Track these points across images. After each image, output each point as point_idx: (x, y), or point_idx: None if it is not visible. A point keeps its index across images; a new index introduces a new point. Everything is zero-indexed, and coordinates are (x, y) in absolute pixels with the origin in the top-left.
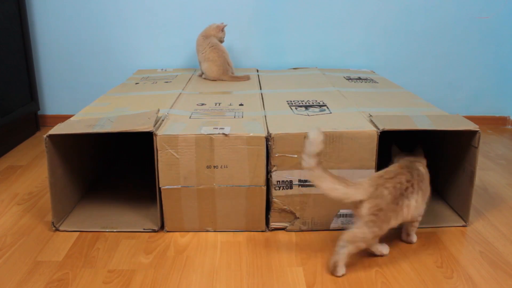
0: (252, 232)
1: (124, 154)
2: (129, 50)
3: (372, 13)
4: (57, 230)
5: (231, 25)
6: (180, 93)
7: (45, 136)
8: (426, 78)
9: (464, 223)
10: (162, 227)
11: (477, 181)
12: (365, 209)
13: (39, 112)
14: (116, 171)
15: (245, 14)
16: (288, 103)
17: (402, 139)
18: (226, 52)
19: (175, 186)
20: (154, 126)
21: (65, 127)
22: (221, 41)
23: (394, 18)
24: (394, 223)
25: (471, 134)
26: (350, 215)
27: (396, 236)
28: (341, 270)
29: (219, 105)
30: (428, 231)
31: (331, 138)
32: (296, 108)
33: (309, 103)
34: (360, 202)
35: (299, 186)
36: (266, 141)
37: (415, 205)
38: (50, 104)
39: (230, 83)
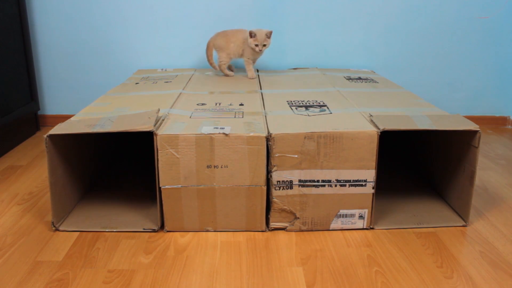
0: (252, 232)
1: (124, 154)
2: (129, 50)
3: (372, 13)
4: (57, 230)
5: (231, 25)
6: (180, 93)
7: (45, 136)
8: (426, 78)
9: (464, 223)
10: (162, 227)
11: (477, 181)
12: None
13: (39, 112)
14: (116, 171)
15: (245, 14)
16: (288, 103)
17: (402, 138)
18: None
19: (175, 186)
20: (155, 125)
21: (66, 127)
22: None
23: (394, 18)
24: None
25: (471, 134)
26: (350, 215)
27: (395, 236)
28: None
29: (219, 105)
30: (428, 231)
31: (331, 138)
32: (296, 108)
33: (309, 103)
34: None
35: (299, 186)
36: (267, 141)
37: None
38: (50, 104)
39: (230, 83)
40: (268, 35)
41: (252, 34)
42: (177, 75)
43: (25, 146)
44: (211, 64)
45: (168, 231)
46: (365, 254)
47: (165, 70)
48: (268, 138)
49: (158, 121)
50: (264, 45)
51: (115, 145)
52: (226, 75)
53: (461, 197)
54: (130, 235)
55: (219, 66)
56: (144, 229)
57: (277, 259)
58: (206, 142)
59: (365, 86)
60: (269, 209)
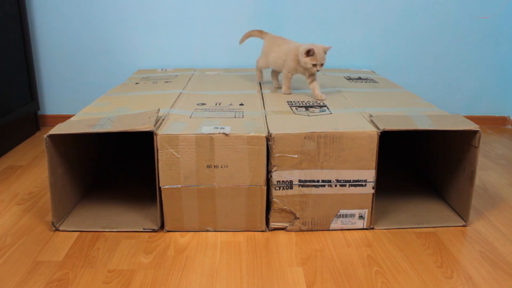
0: (252, 232)
1: (124, 154)
2: (129, 50)
3: (372, 13)
4: (57, 230)
5: (231, 25)
6: (181, 93)
7: (45, 136)
8: (426, 78)
9: (464, 223)
10: (162, 227)
11: (477, 181)
12: None
13: (39, 112)
14: (116, 171)
15: (245, 14)
16: (288, 104)
17: (402, 138)
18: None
19: (175, 186)
20: (155, 125)
21: (66, 127)
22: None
23: (394, 18)
24: None
25: (471, 134)
26: (350, 215)
27: (395, 236)
28: None
29: (220, 104)
30: (428, 231)
31: (331, 139)
32: (296, 109)
33: (309, 103)
34: None
35: (299, 186)
36: (267, 141)
37: None
38: (50, 104)
39: (230, 83)
40: (326, 52)
41: (310, 52)
42: (177, 75)
43: (25, 146)
44: (244, 37)
45: (168, 231)
46: (365, 254)
47: (165, 70)
48: (268, 138)
49: (158, 121)
50: (322, 64)
51: (115, 145)
52: (257, 79)
53: (461, 197)
54: (130, 235)
55: (256, 64)
56: (144, 229)
57: (277, 259)
58: (206, 142)
59: (365, 86)
60: (269, 209)
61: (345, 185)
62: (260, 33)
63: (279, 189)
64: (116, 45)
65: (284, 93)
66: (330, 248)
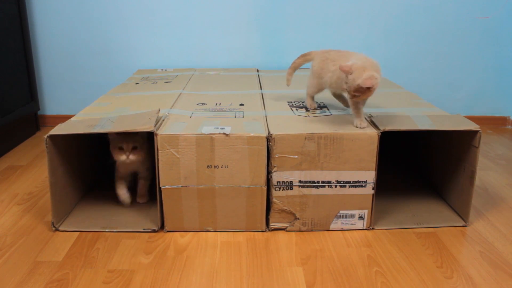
0: (252, 232)
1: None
2: (129, 50)
3: (372, 13)
4: (57, 230)
5: (231, 25)
6: (181, 93)
7: (45, 136)
8: (426, 78)
9: (464, 223)
10: (162, 227)
11: (477, 181)
12: None
13: (39, 112)
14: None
15: (245, 14)
16: (288, 104)
17: (402, 138)
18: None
19: (175, 186)
20: (155, 125)
21: (66, 127)
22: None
23: (394, 18)
24: None
25: (471, 134)
26: (350, 216)
27: (395, 236)
28: None
29: (220, 105)
30: (428, 231)
31: (331, 140)
32: (296, 109)
33: None
34: None
35: (299, 187)
36: (267, 141)
37: None
38: (50, 104)
39: (230, 83)
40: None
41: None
42: (177, 75)
43: (25, 146)
44: (288, 74)
45: (168, 231)
46: (365, 254)
47: (165, 70)
48: (269, 139)
49: (159, 121)
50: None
51: None
52: (308, 106)
53: (461, 197)
54: (130, 235)
55: (307, 92)
56: (144, 229)
57: (277, 259)
58: (206, 142)
59: None
60: (269, 209)
61: (345, 186)
62: (304, 57)
63: (279, 190)
64: (116, 45)
65: (360, 127)
66: (330, 248)
